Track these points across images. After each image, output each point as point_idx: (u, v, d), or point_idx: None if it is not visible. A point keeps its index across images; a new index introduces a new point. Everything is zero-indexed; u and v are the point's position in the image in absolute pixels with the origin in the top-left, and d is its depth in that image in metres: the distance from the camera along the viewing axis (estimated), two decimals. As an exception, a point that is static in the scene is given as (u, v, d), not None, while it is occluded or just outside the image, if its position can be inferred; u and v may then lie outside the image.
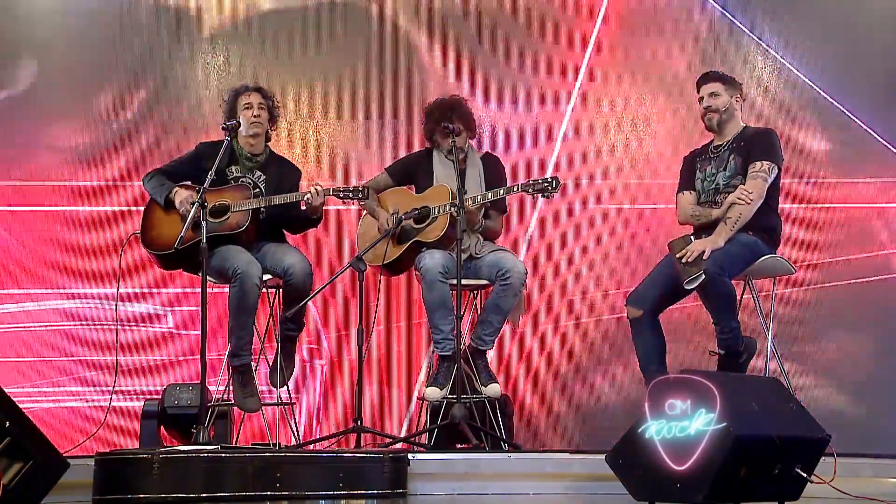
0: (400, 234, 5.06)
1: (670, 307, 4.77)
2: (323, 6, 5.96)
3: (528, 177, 5.14)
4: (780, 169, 4.69)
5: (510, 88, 5.93)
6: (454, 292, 4.78)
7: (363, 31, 5.94)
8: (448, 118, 5.09)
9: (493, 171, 5.22)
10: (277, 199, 4.89)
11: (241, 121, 4.97)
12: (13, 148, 5.77)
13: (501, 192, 4.99)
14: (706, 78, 4.85)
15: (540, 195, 4.87)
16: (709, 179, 4.78)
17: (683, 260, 4.54)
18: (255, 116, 4.98)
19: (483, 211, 5.08)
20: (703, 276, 4.47)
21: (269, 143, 5.15)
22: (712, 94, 4.78)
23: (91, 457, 4.07)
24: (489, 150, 5.39)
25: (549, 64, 5.95)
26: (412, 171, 5.24)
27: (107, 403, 4.99)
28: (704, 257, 4.49)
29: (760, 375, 4.65)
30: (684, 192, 4.87)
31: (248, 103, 5.03)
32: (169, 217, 4.91)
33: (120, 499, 3.93)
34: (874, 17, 5.87)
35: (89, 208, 5.78)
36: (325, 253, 5.71)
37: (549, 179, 4.85)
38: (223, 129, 4.85)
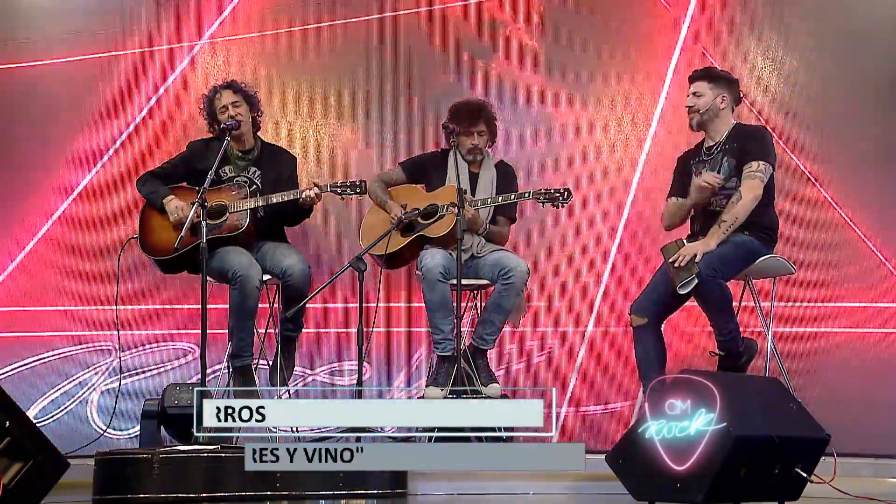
0: (405, 227, 5.07)
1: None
2: (324, 5, 5.96)
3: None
4: (773, 168, 4.69)
5: (516, 89, 5.91)
6: (454, 292, 4.78)
7: (364, 31, 5.93)
8: (475, 121, 5.09)
9: (506, 180, 5.22)
10: (276, 198, 4.88)
11: (224, 124, 4.91)
12: (13, 148, 5.77)
13: (512, 197, 5.01)
14: (692, 76, 4.85)
15: (550, 205, 4.90)
16: None
17: (676, 264, 4.54)
18: (231, 118, 4.94)
19: (490, 215, 5.09)
20: (696, 281, 4.47)
21: (259, 134, 5.13)
22: (695, 94, 4.78)
23: (91, 457, 4.08)
24: (503, 160, 5.37)
25: (559, 64, 5.93)
26: (426, 170, 5.24)
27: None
28: (697, 260, 4.49)
29: (760, 375, 4.65)
30: (674, 197, 4.86)
31: (223, 106, 5.00)
32: (167, 221, 4.90)
33: (120, 499, 3.93)
34: (875, 17, 5.86)
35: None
36: (325, 253, 5.71)
37: (562, 190, 4.89)
38: (223, 128, 4.84)
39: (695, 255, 4.50)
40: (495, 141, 5.28)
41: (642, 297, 4.78)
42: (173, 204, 4.87)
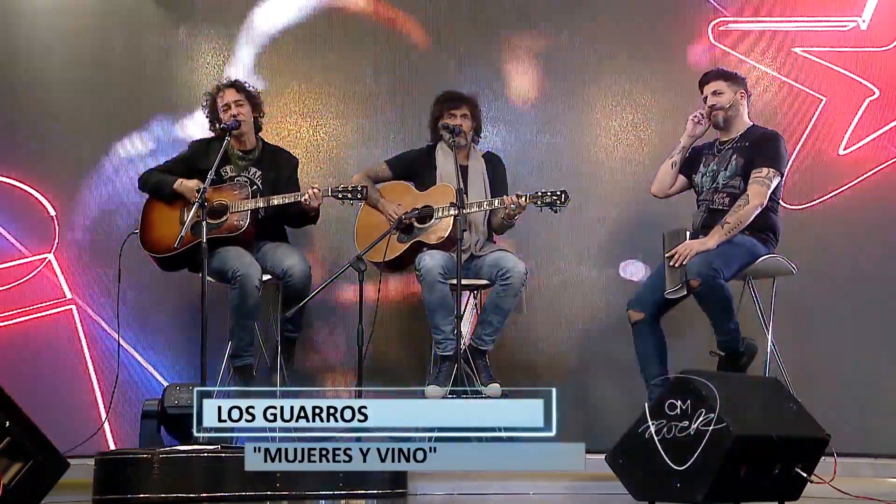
0: (402, 231, 5.06)
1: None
2: (324, 5, 5.95)
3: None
4: (782, 176, 4.70)
5: (514, 88, 5.90)
6: (454, 292, 4.78)
7: (364, 31, 5.93)
8: (457, 103, 5.09)
9: (496, 170, 5.21)
10: (277, 200, 4.88)
11: (225, 123, 4.92)
12: (14, 148, 5.78)
13: (506, 200, 4.96)
14: (707, 77, 4.88)
15: (548, 208, 4.84)
16: (709, 175, 4.79)
17: (671, 262, 4.55)
18: (233, 117, 4.94)
19: (487, 215, 5.07)
20: (684, 291, 4.48)
21: (260, 134, 5.13)
22: (715, 93, 4.81)
23: (91, 457, 4.08)
24: (490, 150, 5.38)
25: (554, 63, 5.92)
26: (414, 168, 5.23)
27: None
28: (692, 257, 4.49)
29: (760, 375, 4.65)
30: (671, 162, 4.89)
31: (225, 104, 4.99)
32: (168, 218, 4.90)
33: (120, 499, 3.93)
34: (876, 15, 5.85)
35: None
36: (325, 253, 5.71)
37: (559, 193, 4.81)
38: (223, 128, 4.85)
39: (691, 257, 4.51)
40: (480, 134, 5.27)
41: (640, 293, 4.79)
42: (186, 185, 4.85)
